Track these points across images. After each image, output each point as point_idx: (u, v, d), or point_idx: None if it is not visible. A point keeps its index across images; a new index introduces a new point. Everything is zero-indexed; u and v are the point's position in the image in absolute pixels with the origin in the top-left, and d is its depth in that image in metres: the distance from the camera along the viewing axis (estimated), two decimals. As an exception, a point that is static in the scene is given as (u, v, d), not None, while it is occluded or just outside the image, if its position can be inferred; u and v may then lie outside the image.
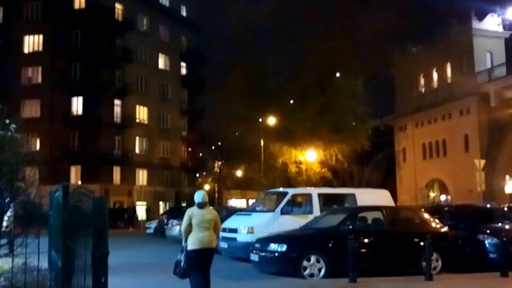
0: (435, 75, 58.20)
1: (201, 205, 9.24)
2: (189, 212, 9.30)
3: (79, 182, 47.05)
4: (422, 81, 60.37)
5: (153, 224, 33.72)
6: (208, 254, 9.17)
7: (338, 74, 45.51)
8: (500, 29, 53.46)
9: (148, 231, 33.82)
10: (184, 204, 48.05)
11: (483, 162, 29.99)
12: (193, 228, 9.10)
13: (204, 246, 9.06)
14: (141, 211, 50.58)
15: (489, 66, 51.74)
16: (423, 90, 60.18)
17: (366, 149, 47.43)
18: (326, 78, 45.27)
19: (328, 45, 42.62)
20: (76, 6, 53.27)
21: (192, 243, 9.07)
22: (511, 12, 50.01)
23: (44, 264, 7.44)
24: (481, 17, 52.95)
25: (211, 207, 9.60)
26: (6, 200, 6.34)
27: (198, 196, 9.31)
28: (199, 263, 9.04)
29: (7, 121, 6.86)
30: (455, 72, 54.43)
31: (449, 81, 55.57)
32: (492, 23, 53.14)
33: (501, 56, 52.43)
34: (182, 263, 9.13)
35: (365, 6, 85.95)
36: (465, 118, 51.73)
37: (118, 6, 54.36)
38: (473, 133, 50.55)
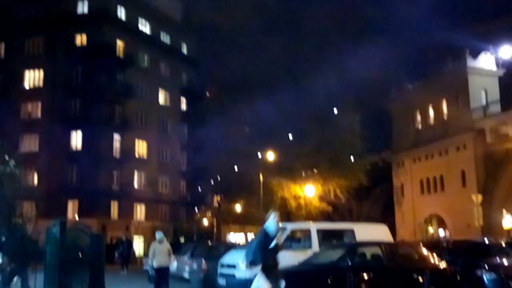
0: (431, 112, 58.43)
1: (160, 241, 16.42)
2: (152, 245, 16.60)
3: (76, 217, 46.79)
4: (418, 117, 60.58)
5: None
6: (165, 270, 16.22)
7: (335, 110, 45.93)
8: (494, 67, 54.02)
9: (145, 267, 33.19)
10: (182, 240, 47.52)
11: (480, 197, 30.07)
12: (155, 255, 16.08)
13: (162, 265, 16.07)
14: (138, 245, 50.11)
15: (484, 103, 52.03)
16: (419, 126, 60.34)
17: (365, 185, 47.44)
18: (324, 114, 45.74)
19: (324, 83, 43.20)
20: (78, 42, 53.70)
21: (156, 264, 16.07)
22: (504, 51, 50.41)
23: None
24: (475, 55, 53.47)
25: (165, 240, 17.00)
26: (3, 238, 6.34)
27: (158, 236, 16.58)
28: (159, 275, 16.08)
29: (6, 157, 6.92)
30: (450, 108, 54.68)
31: (445, 117, 55.81)
32: (486, 61, 53.69)
33: (496, 93, 52.82)
34: (153, 277, 16.48)
35: (360, 43, 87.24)
36: (461, 153, 51.80)
37: (119, 43, 54.86)
38: (470, 169, 50.55)
